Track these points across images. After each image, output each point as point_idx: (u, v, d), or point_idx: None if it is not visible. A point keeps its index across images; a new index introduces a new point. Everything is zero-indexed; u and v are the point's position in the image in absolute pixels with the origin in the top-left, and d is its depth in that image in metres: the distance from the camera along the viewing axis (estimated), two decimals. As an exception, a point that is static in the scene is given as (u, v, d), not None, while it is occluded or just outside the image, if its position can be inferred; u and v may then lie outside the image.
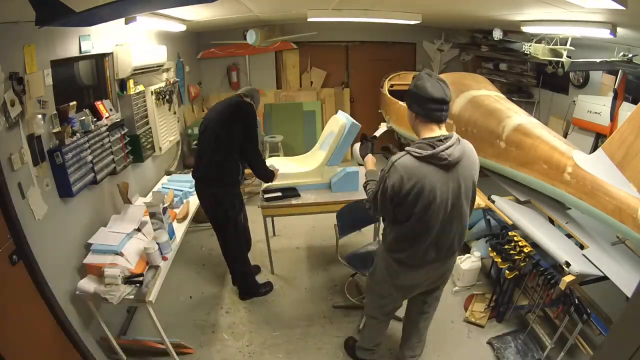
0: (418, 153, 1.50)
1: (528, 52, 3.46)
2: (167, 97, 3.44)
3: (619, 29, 2.54)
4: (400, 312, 2.14)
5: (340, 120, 2.94)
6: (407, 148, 1.55)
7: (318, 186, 2.98)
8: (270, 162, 3.01)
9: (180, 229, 2.56)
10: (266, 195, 2.82)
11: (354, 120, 2.88)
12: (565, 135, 3.82)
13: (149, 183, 3.27)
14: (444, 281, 1.91)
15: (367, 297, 2.13)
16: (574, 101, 3.72)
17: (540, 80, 4.34)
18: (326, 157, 2.96)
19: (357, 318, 2.64)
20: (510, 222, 2.38)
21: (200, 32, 4.97)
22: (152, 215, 2.27)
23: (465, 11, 3.50)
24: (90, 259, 2.07)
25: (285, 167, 3.00)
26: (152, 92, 3.15)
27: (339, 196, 2.87)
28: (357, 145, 2.61)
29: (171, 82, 3.64)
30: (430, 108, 1.51)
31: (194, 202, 2.93)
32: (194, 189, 3.07)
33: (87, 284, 1.98)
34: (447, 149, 1.49)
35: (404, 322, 2.16)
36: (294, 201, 2.83)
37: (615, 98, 3.23)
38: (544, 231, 2.23)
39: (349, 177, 2.91)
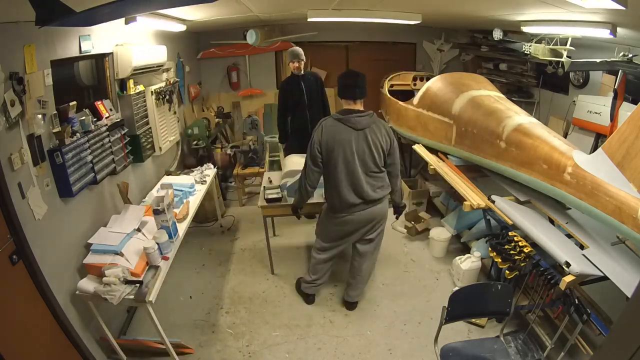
0: (336, 116, 2.30)
1: (528, 52, 3.46)
2: (167, 97, 3.44)
3: (619, 29, 2.54)
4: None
5: None
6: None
7: None
8: (290, 159, 2.96)
9: (180, 229, 2.55)
10: (268, 197, 2.81)
11: None
12: (565, 135, 3.82)
13: (149, 183, 3.27)
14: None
15: None
16: (574, 101, 3.72)
17: (540, 80, 4.34)
18: None
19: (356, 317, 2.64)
20: (510, 222, 2.37)
21: (200, 32, 4.97)
22: (154, 214, 2.26)
23: (465, 11, 3.50)
24: (90, 259, 2.07)
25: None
26: (152, 92, 3.15)
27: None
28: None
29: (171, 82, 3.64)
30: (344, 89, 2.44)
31: (194, 202, 2.93)
32: (194, 189, 3.09)
33: (87, 284, 1.97)
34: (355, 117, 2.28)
35: None
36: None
37: (615, 98, 3.23)
38: (544, 231, 2.22)
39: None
